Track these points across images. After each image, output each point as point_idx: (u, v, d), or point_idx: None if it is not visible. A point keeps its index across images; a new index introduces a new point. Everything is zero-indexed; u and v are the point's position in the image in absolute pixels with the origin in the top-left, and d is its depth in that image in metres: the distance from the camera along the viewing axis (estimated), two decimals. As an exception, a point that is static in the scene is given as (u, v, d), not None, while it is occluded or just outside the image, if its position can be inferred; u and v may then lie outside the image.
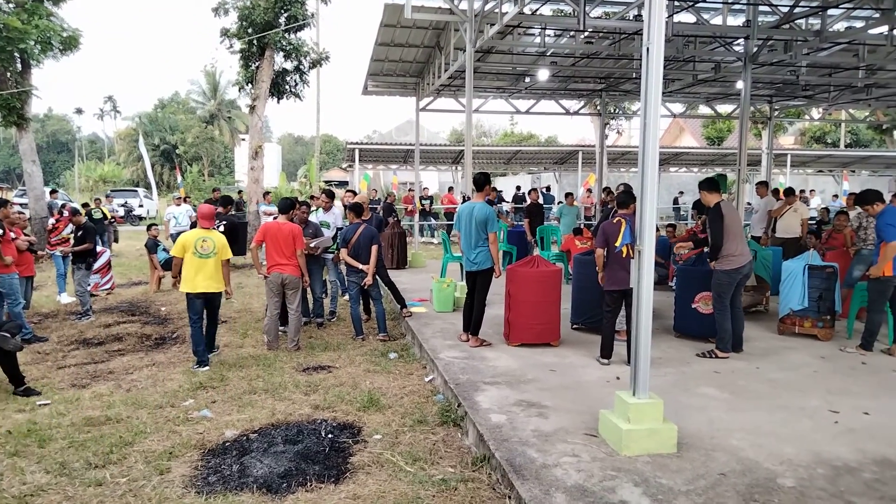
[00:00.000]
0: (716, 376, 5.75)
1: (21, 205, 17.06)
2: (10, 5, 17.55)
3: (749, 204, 19.52)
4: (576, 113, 18.59)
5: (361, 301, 8.16)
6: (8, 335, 5.87)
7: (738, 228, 6.45)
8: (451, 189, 23.99)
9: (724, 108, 20.09)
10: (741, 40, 11.14)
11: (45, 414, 5.19)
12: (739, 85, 12.13)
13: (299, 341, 7.26)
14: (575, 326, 7.49)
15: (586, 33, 11.30)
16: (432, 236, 20.96)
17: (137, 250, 16.80)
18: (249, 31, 17.89)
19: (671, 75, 14.13)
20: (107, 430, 4.81)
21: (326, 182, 32.16)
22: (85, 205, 15.87)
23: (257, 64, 18.45)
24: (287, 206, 7.56)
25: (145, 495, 3.80)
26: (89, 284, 9.46)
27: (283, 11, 18.23)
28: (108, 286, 11.15)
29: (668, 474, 3.76)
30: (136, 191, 34.28)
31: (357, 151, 24.34)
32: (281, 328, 7.53)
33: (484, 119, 58.37)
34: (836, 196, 26.21)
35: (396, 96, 17.18)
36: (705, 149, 33.44)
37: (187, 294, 6.60)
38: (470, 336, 6.79)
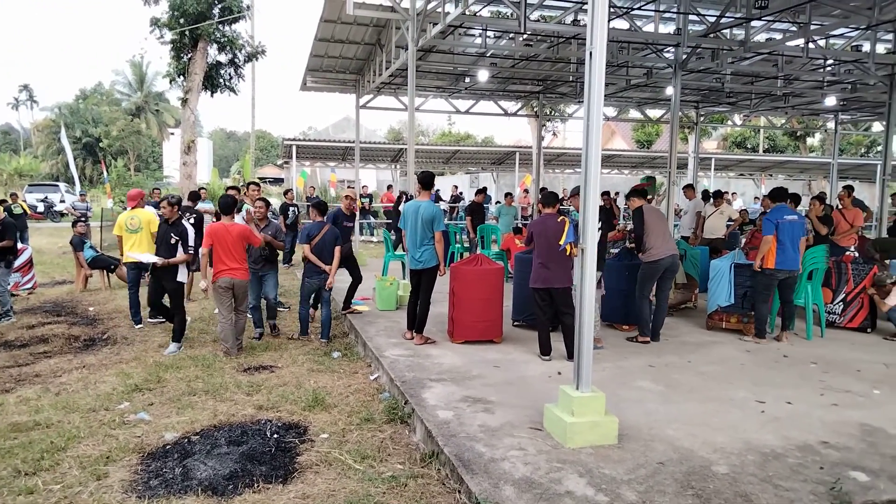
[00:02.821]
0: (651, 370, 6.00)
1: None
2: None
3: (679, 206, 20.35)
4: (514, 114, 18.92)
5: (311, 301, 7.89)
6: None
7: (659, 227, 7.06)
8: (390, 187, 23.93)
9: (654, 113, 20.88)
10: (672, 48, 11.64)
11: (-34, 421, 4.89)
12: (669, 91, 12.68)
13: (241, 343, 7.09)
14: (516, 323, 7.65)
15: (525, 35, 11.53)
16: (371, 235, 20.86)
17: (60, 247, 15.98)
18: (181, 21, 17.32)
19: (605, 80, 14.59)
20: (36, 436, 4.57)
21: (261, 178, 31.40)
22: (2, 201, 14.94)
23: (189, 56, 17.88)
24: (229, 204, 7.11)
25: (82, 501, 3.65)
26: (9, 284, 8.94)
27: (216, 2, 17.75)
28: (29, 285, 10.56)
29: (611, 465, 3.91)
30: (58, 185, 32.47)
31: (294, 148, 23.94)
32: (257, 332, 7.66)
33: (422, 118, 58.47)
34: (756, 198, 27.69)
35: (336, 93, 17.02)
36: (636, 151, 34.67)
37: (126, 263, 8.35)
38: (414, 334, 6.83)
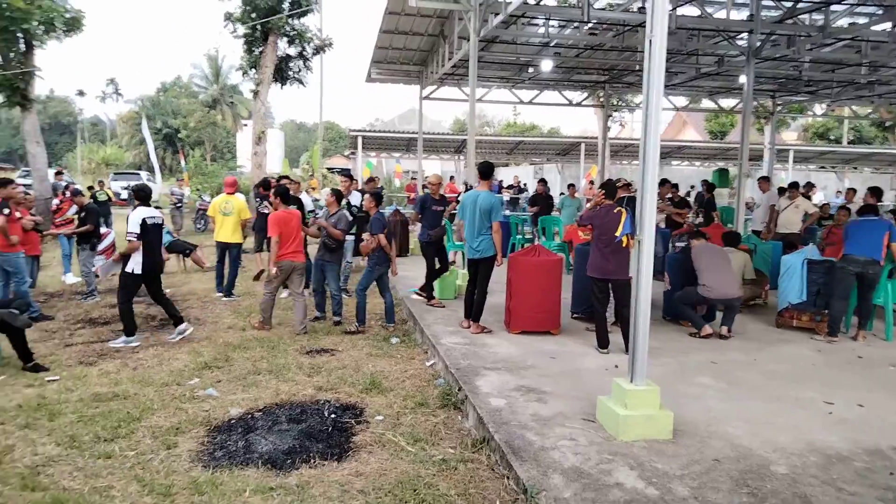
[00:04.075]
0: (713, 367, 5.85)
1: (25, 185, 17.09)
2: (15, -15, 17.45)
3: (752, 199, 19.57)
4: (578, 104, 18.62)
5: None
6: (17, 312, 5.97)
7: (715, 265, 6.99)
8: (452, 178, 24.04)
9: (727, 103, 20.11)
10: (744, 34, 11.17)
11: (54, 389, 5.28)
12: (742, 79, 12.18)
13: (307, 326, 7.37)
14: (575, 315, 7.58)
15: (590, 24, 11.33)
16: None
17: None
18: (253, 15, 17.88)
19: (674, 68, 14.16)
20: (115, 406, 4.90)
21: (329, 169, 32.15)
22: (90, 187, 15.93)
23: (261, 49, 18.45)
24: (287, 192, 7.62)
25: (153, 468, 3.90)
26: (94, 266, 9.53)
27: (287, -3, 18.21)
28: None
29: (664, 459, 3.85)
30: (139, 174, 34.27)
31: (360, 139, 24.37)
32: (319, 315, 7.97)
33: (487, 109, 58.23)
34: (839, 192, 26.26)
35: (400, 84, 17.23)
36: (708, 143, 33.47)
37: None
38: (471, 323, 6.88)
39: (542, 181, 13.59)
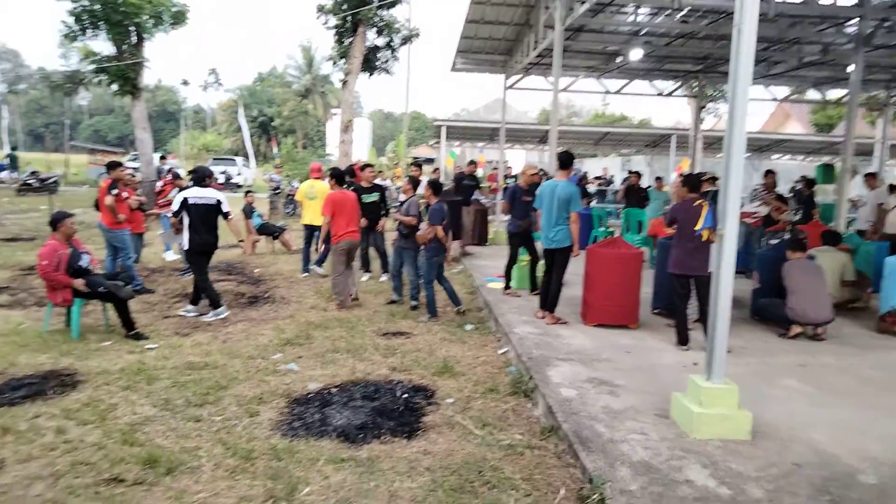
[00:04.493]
0: (801, 370, 5.56)
1: (133, 168, 18.34)
2: (128, -19, 18.68)
3: (859, 197, 18.25)
4: (669, 94, 17.95)
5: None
6: (122, 284, 6.48)
7: (808, 286, 6.55)
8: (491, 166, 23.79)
9: (836, 94, 18.80)
10: (854, 21, 10.40)
11: (153, 356, 5.70)
12: (850, 69, 11.35)
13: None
14: (655, 311, 7.39)
15: (683, 12, 10.89)
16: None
17: (234, 215, 17.75)
18: (344, 7, 18.32)
19: (774, 57, 13.37)
20: (205, 375, 5.24)
21: (414, 158, 32.65)
22: (190, 171, 16.92)
23: (350, 40, 18.88)
24: (343, 175, 8.37)
25: (237, 433, 4.16)
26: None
27: (378, -13, 18.52)
28: (207, 247, 11.91)
29: (739, 460, 3.72)
30: (235, 160, 36.01)
31: (444, 128, 24.53)
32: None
33: (575, 99, 57.17)
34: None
35: (485, 73, 17.19)
36: (811, 136, 31.40)
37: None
38: (546, 313, 6.85)
39: (636, 173, 13.23)
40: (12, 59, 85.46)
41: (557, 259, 6.74)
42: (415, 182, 8.22)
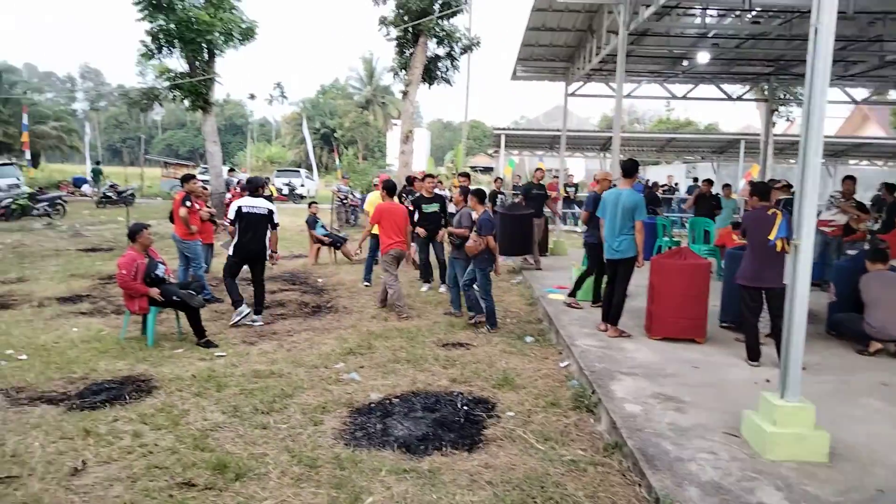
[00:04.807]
0: (883, 389, 5.24)
1: (203, 180, 19.15)
2: (201, 1, 19.57)
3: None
4: (739, 98, 17.36)
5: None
6: (194, 293, 6.74)
7: (890, 299, 6.18)
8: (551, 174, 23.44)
9: (919, 93, 17.74)
10: (944, 15, 9.80)
11: (222, 364, 5.91)
12: (939, 66, 10.69)
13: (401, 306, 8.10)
14: (724, 325, 7.13)
15: (753, 13, 10.52)
16: (576, 224, 20.66)
17: (298, 226, 18.21)
18: (405, 18, 18.60)
19: (853, 57, 12.74)
20: (271, 383, 5.39)
21: (472, 167, 32.74)
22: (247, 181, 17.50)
23: (411, 51, 19.14)
24: (394, 188, 8.65)
25: (302, 441, 4.25)
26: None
27: (438, -1, 18.72)
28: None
29: (816, 483, 3.54)
30: (299, 171, 37.01)
31: (503, 137, 24.49)
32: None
33: (637, 105, 56.06)
34: None
35: (546, 81, 17.08)
36: (893, 139, 29.70)
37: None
38: (609, 326, 6.72)
39: (708, 180, 12.82)
40: (94, 77, 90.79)
41: (621, 270, 6.60)
42: (466, 192, 8.17)
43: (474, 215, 7.59)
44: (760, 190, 5.93)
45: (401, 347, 6.57)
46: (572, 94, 15.97)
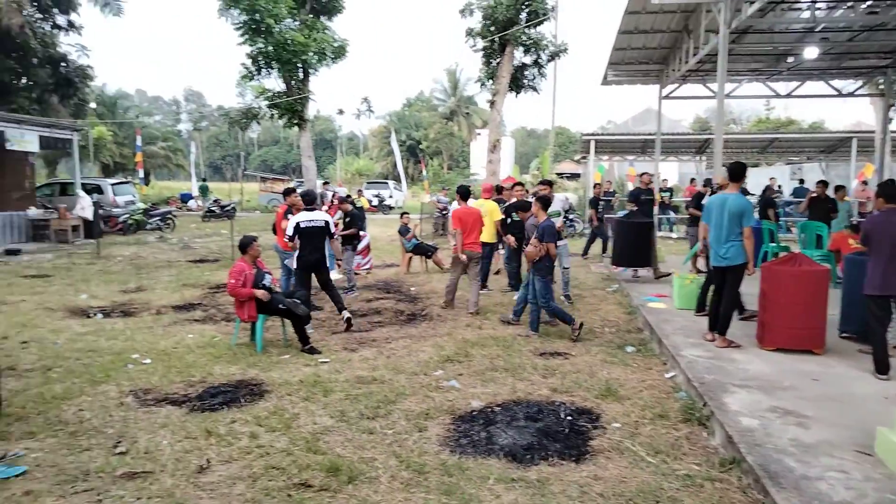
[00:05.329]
0: None
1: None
2: (296, 23, 20.51)
3: None
4: (851, 94, 16.25)
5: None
6: (298, 302, 7.02)
7: None
8: (692, 181, 22.57)
9: None
10: None
11: (326, 370, 6.10)
12: None
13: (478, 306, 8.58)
14: (844, 335, 6.66)
15: (868, 2, 9.84)
16: (671, 230, 19.96)
17: (389, 236, 18.63)
18: (492, 28, 18.72)
19: None
20: (374, 389, 5.51)
21: (558, 174, 32.36)
22: (347, 196, 18.06)
23: (498, 60, 19.23)
24: (468, 192, 9.04)
25: (408, 447, 4.32)
26: (353, 264, 10.79)
27: (524, 7, 18.73)
28: (367, 266, 12.61)
29: (970, 510, 3.22)
30: (387, 183, 37.89)
31: (592, 143, 24.06)
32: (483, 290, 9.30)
33: (733, 105, 53.58)
34: None
35: (637, 85, 16.68)
36: None
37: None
38: (716, 336, 6.42)
39: (823, 182, 12.06)
40: (196, 100, 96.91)
41: (729, 278, 6.30)
42: (546, 202, 7.88)
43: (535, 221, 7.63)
44: (889, 192, 5.49)
45: (498, 356, 6.55)
46: (666, 97, 15.50)
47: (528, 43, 19.07)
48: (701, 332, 6.76)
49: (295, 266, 8.00)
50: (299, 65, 20.37)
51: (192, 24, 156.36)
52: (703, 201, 9.87)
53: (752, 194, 21.51)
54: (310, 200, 8.21)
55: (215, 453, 4.22)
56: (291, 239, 7.77)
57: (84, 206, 18.55)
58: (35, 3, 25.59)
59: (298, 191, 9.40)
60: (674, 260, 12.14)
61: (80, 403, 5.13)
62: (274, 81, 21.29)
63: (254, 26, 19.29)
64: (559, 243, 8.90)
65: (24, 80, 25.70)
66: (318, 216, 7.97)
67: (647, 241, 10.09)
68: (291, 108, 20.66)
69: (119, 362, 6.31)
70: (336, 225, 11.72)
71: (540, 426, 4.67)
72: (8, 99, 24.39)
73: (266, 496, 3.65)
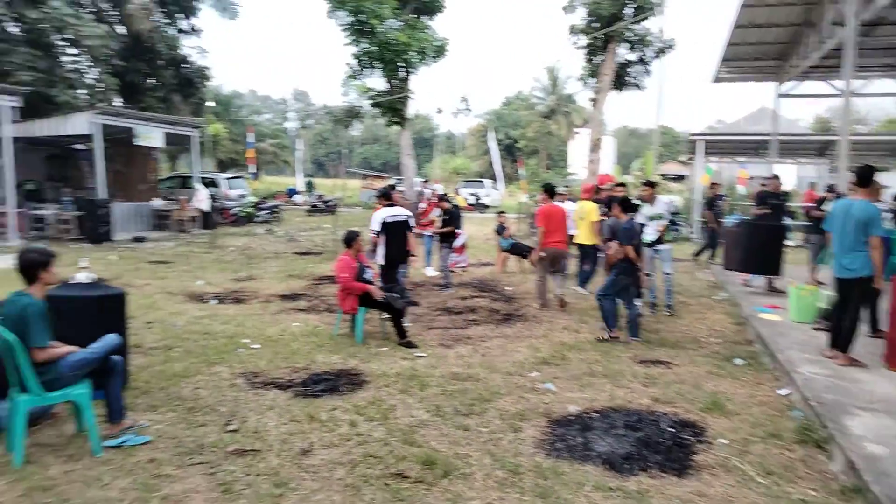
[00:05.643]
0: None
1: (399, 192, 20.40)
2: (399, 23, 20.94)
3: None
4: None
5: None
6: (397, 296, 7.18)
7: None
8: (812, 185, 21.08)
9: None
10: None
11: (422, 364, 6.19)
12: None
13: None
14: None
15: None
16: (787, 238, 18.73)
17: (484, 235, 18.67)
18: (596, 25, 18.32)
19: None
20: (468, 386, 5.53)
21: (662, 175, 31.18)
22: (444, 195, 18.26)
23: (601, 57, 18.80)
24: (553, 189, 9.13)
25: (503, 446, 4.30)
26: (449, 261, 10.89)
27: (629, 2, 18.20)
28: (463, 264, 12.69)
29: None
30: (483, 182, 37.97)
31: (701, 143, 22.96)
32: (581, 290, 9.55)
33: (859, 103, 49.47)
34: None
35: (750, 82, 15.78)
36: None
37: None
38: (837, 353, 5.95)
39: None
40: (303, 99, 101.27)
41: (855, 291, 5.82)
42: (625, 204, 7.47)
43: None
44: None
45: (596, 361, 6.40)
46: (784, 95, 14.56)
47: (633, 39, 18.53)
48: (819, 347, 6.30)
49: (381, 262, 8.09)
50: (401, 64, 20.79)
51: (300, 27, 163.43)
52: (825, 206, 9.23)
53: (881, 201, 19.82)
54: (388, 196, 8.58)
55: (317, 438, 4.38)
56: (378, 234, 7.98)
57: (202, 199, 19.88)
58: (163, 10, 27.65)
59: (397, 188, 9.69)
60: (793, 270, 11.36)
61: (197, 382, 5.49)
62: (376, 80, 21.89)
63: (359, 27, 19.88)
64: (661, 247, 8.59)
65: (151, 81, 27.81)
66: (400, 211, 8.33)
67: (778, 246, 9.48)
68: (393, 106, 21.14)
69: (231, 346, 6.70)
70: (432, 223, 11.93)
71: (639, 436, 4.51)
72: (137, 98, 26.52)
73: (364, 483, 3.75)
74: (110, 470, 3.83)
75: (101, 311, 5.08)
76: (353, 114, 22.93)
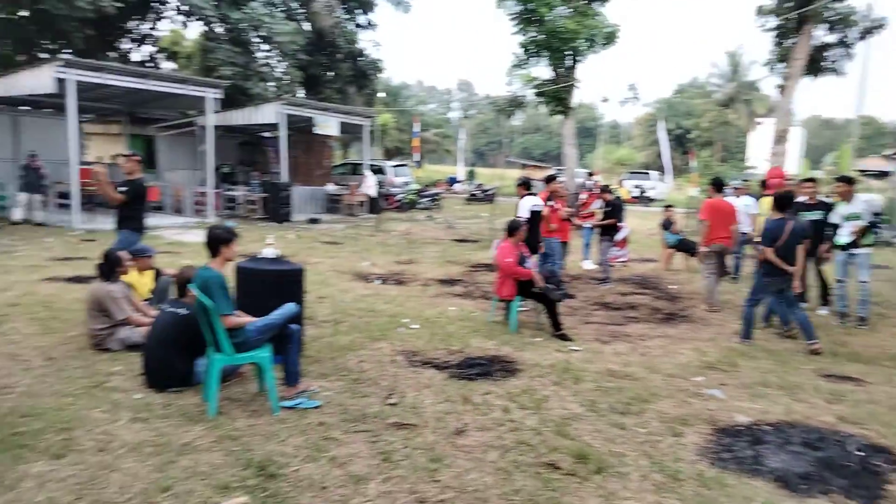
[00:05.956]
0: None
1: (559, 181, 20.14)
2: (568, 10, 20.51)
3: None
4: None
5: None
6: (553, 287, 7.10)
7: None
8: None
9: None
10: None
11: (577, 358, 6.07)
12: None
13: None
14: None
15: None
16: None
17: (648, 229, 17.86)
18: (789, 4, 16.63)
19: None
20: (625, 384, 5.33)
21: (860, 171, 27.68)
22: (607, 186, 17.69)
23: (793, 40, 17.05)
24: (720, 183, 8.90)
25: (661, 450, 4.10)
26: (610, 255, 10.55)
27: (833, -23, 16.30)
28: (624, 258, 12.24)
29: None
30: (648, 173, 36.25)
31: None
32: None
33: None
34: None
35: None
36: None
37: None
38: None
39: None
40: (467, 89, 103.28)
41: None
42: (782, 201, 6.72)
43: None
44: None
45: (770, 370, 5.87)
46: None
47: (833, 19, 16.57)
48: None
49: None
50: (568, 52, 20.38)
51: (467, 18, 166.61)
52: None
53: None
54: (528, 185, 9.12)
55: (471, 419, 4.47)
56: (527, 222, 8.10)
57: (370, 185, 21.10)
58: (344, 6, 29.55)
59: (558, 178, 9.61)
60: None
61: (361, 355, 5.84)
62: (542, 69, 21.67)
63: (527, 16, 19.78)
64: (857, 251, 7.66)
65: (330, 74, 29.89)
66: (538, 200, 8.88)
67: None
68: (557, 95, 20.83)
69: (392, 324, 7.04)
70: (592, 214, 11.62)
71: (820, 455, 4.08)
72: (317, 90, 28.66)
73: (516, 468, 3.77)
74: (286, 428, 4.20)
75: (282, 283, 5.58)
76: (516, 103, 22.95)
